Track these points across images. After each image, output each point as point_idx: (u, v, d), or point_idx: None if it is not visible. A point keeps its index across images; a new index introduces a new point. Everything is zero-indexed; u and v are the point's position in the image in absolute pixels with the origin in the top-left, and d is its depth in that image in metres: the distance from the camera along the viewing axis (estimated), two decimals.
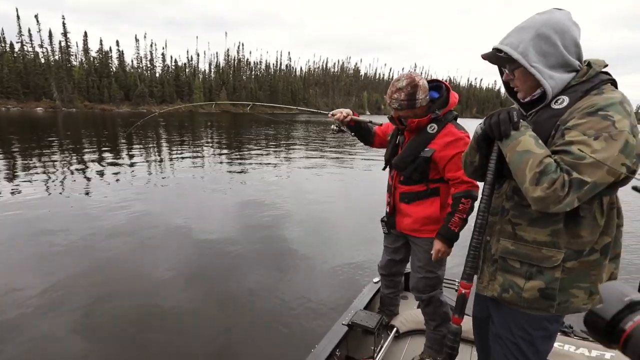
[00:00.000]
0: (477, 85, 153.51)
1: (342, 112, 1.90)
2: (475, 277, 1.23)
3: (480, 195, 1.19)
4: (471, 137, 1.67)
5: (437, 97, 1.72)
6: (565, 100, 1.03)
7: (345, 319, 2.09)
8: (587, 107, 0.97)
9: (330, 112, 1.92)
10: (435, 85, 1.75)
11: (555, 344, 1.85)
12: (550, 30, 1.01)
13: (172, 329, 2.90)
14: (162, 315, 3.07)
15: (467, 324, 2.09)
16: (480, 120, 1.18)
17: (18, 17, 66.76)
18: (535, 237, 1.07)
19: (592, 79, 1.02)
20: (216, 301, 3.35)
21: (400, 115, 1.72)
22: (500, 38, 1.10)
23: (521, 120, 1.04)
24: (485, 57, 1.12)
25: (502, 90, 1.31)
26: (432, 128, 1.70)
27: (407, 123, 1.71)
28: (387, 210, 1.94)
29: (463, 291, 1.16)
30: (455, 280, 2.60)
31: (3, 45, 63.29)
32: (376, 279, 2.56)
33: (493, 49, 1.11)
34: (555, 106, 1.04)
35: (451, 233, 1.67)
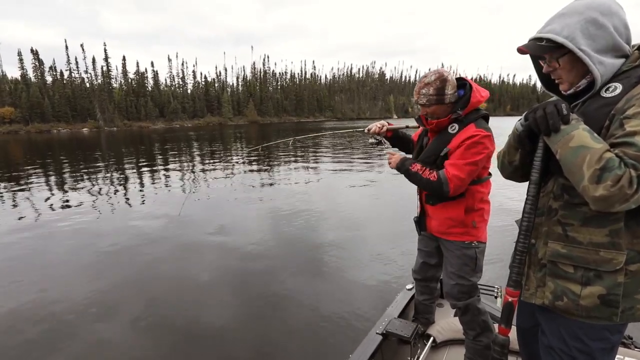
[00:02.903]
0: (510, 82, 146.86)
1: (377, 125, 1.94)
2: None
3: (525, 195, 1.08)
4: (491, 137, 1.61)
5: (462, 95, 1.66)
6: (617, 87, 0.94)
7: (379, 328, 2.03)
8: None
9: (366, 128, 1.99)
10: (460, 84, 1.70)
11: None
12: (596, 13, 0.94)
13: (209, 334, 2.97)
14: (202, 320, 3.17)
15: (510, 333, 1.97)
16: (517, 118, 1.10)
17: (66, 47, 73.34)
18: (591, 238, 0.98)
19: None
20: (251, 308, 3.39)
21: (429, 112, 1.67)
22: (533, 32, 1.04)
23: (571, 113, 0.95)
24: (525, 48, 1.03)
25: (538, 85, 1.19)
26: (453, 128, 1.65)
27: (428, 123, 1.68)
28: (417, 212, 1.91)
29: (510, 299, 1.06)
30: (494, 287, 2.46)
31: (55, 73, 69.69)
32: (409, 286, 2.49)
33: (531, 40, 1.03)
34: (606, 94, 0.95)
35: (406, 166, 1.73)
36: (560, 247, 1.04)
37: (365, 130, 1.98)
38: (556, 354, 1.09)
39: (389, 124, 1.95)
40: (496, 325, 2.05)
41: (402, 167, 1.75)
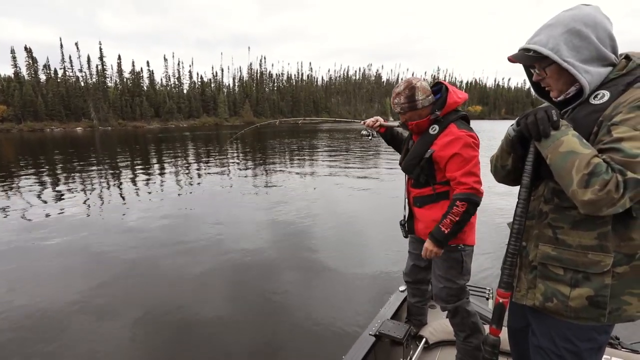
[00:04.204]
0: (505, 85, 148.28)
1: (372, 119, 2.06)
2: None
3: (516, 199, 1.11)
4: (476, 136, 1.66)
5: (438, 98, 1.73)
6: (605, 94, 0.97)
7: (372, 329, 2.05)
8: (634, 100, 0.90)
9: (363, 121, 2.11)
10: (438, 88, 1.77)
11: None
12: (580, 25, 0.97)
13: (205, 333, 2.97)
14: (198, 320, 3.16)
15: (501, 334, 1.99)
16: (512, 121, 1.13)
17: (61, 46, 72.99)
18: (580, 241, 1.01)
19: (633, 72, 0.97)
20: (247, 309, 3.39)
21: (407, 118, 1.76)
22: (527, 38, 1.06)
23: (561, 119, 0.98)
24: (513, 58, 1.07)
25: (533, 90, 1.24)
26: (433, 129, 1.71)
27: (409, 126, 1.76)
28: (405, 214, 1.95)
29: (501, 300, 1.08)
30: (485, 288, 2.49)
31: (48, 72, 69.01)
32: (402, 288, 2.50)
33: (520, 49, 1.07)
34: (594, 101, 0.99)
35: (440, 234, 1.64)
36: (551, 250, 1.06)
37: (362, 123, 2.11)
38: (545, 354, 1.12)
39: (384, 120, 2.05)
40: (487, 327, 2.07)
41: (442, 240, 1.65)
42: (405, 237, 2.01)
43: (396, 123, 2.10)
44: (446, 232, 1.63)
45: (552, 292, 1.06)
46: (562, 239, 1.04)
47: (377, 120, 2.05)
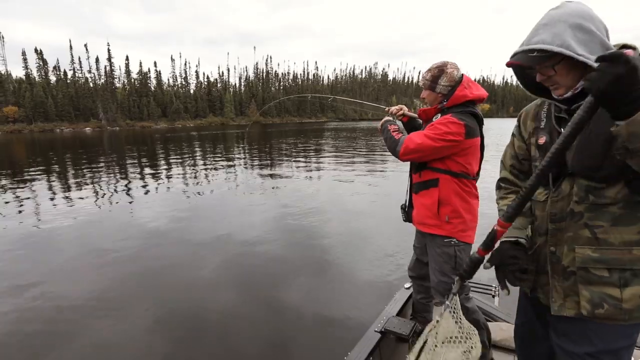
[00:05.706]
0: (514, 83, 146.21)
1: (396, 107, 2.14)
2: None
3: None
4: (465, 126, 1.65)
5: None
6: None
7: (377, 326, 2.05)
8: None
9: (387, 108, 2.18)
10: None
11: None
12: (579, 19, 0.95)
13: (211, 330, 2.99)
14: (205, 317, 3.19)
15: (506, 332, 1.98)
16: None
17: (71, 47, 74.02)
18: (623, 238, 0.96)
19: None
20: (253, 306, 3.41)
21: (424, 97, 1.82)
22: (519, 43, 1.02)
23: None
24: (516, 62, 1.01)
25: (526, 90, 1.20)
26: (436, 118, 1.75)
27: (418, 113, 1.84)
28: (407, 199, 2.04)
29: (495, 227, 1.01)
30: (491, 285, 2.48)
31: (58, 73, 70.12)
32: (407, 285, 2.51)
33: (520, 52, 1.00)
34: None
35: (386, 123, 1.92)
36: (591, 252, 1.00)
37: (386, 109, 2.16)
38: (579, 357, 1.06)
39: (408, 110, 2.11)
40: (492, 324, 2.07)
41: (384, 124, 1.93)
42: (405, 221, 2.07)
43: (417, 114, 2.15)
44: (388, 127, 1.89)
45: (600, 297, 0.99)
46: (602, 238, 0.98)
47: (401, 109, 2.10)
